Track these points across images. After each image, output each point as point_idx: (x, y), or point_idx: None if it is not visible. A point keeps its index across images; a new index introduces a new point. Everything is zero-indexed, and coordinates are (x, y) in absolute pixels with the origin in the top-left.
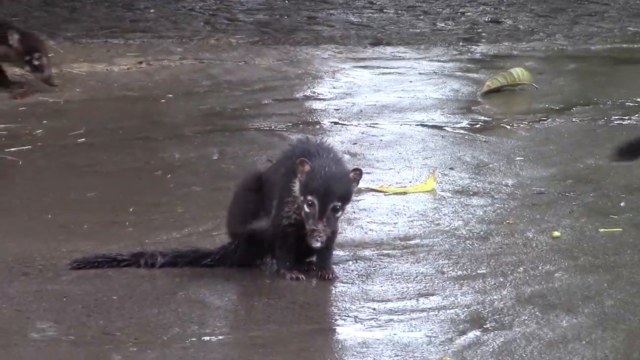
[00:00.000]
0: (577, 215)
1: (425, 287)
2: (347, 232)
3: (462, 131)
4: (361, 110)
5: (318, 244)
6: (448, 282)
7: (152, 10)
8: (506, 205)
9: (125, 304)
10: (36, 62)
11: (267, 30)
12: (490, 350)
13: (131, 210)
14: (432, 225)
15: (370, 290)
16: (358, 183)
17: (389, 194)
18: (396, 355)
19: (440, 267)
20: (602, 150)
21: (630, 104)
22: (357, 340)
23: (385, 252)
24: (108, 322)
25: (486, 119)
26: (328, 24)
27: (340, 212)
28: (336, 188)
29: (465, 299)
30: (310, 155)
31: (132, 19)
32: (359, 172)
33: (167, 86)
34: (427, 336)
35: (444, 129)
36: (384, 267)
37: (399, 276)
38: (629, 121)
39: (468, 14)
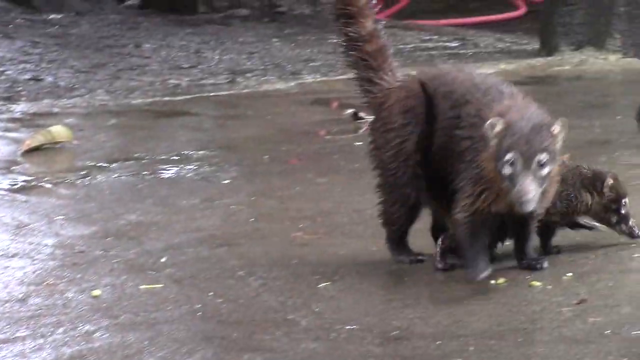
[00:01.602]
0: (117, 272)
1: None
2: None
3: (1, 192)
4: None
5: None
6: None
7: None
8: (46, 266)
9: None
10: None
11: None
12: None
13: None
14: None
15: None
16: None
17: None
18: None
19: None
20: (143, 206)
21: (172, 157)
22: None
23: None
24: None
25: (27, 178)
26: None
27: None
28: None
29: None
30: None
31: None
32: None
33: None
34: None
35: None
36: None
37: None
38: (170, 174)
39: (8, 72)
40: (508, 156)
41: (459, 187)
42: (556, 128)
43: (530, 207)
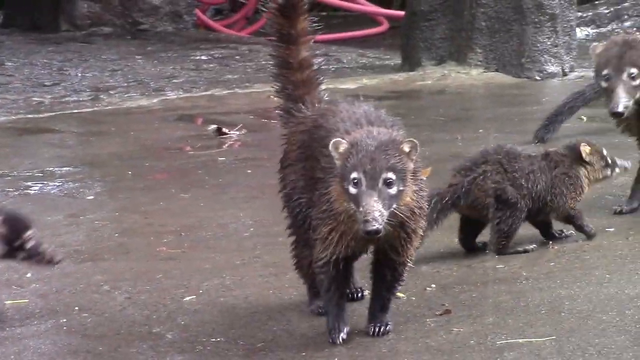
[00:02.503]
0: None
1: None
2: None
3: None
4: None
5: None
6: None
7: None
8: None
9: None
10: None
11: None
12: None
13: None
14: None
15: None
16: None
17: None
18: None
19: None
20: None
21: (36, 174)
22: None
23: None
24: None
25: None
26: None
27: None
28: None
29: None
30: None
31: None
32: None
33: None
34: None
35: None
36: None
37: None
38: (34, 191)
39: None
40: (353, 175)
41: (313, 225)
42: (406, 147)
43: (373, 226)
